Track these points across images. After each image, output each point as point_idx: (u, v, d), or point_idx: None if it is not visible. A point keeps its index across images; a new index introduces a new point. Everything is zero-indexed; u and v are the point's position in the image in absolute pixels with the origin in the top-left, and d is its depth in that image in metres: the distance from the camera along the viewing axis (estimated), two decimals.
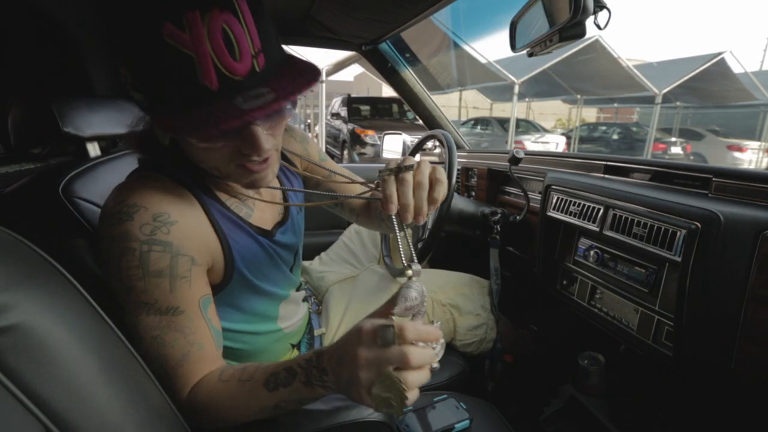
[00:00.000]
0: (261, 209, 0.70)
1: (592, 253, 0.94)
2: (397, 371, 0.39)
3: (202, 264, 0.56)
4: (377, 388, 0.39)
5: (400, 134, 1.49)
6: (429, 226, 1.01)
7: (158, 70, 0.43)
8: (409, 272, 0.48)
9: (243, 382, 0.51)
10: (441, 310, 1.04)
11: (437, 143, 1.04)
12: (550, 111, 16.83)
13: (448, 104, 12.58)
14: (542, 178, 1.13)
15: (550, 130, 12.54)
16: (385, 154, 1.67)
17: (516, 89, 8.99)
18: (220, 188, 0.62)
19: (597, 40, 8.76)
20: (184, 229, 0.53)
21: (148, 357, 0.49)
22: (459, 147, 1.80)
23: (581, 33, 0.71)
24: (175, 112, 0.44)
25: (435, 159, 1.91)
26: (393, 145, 1.67)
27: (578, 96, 12.03)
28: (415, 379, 0.39)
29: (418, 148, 1.23)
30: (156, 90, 0.45)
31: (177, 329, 0.52)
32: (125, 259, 0.49)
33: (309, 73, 0.48)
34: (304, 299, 0.94)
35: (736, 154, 8.60)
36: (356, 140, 6.78)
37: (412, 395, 0.39)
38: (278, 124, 0.53)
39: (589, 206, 0.93)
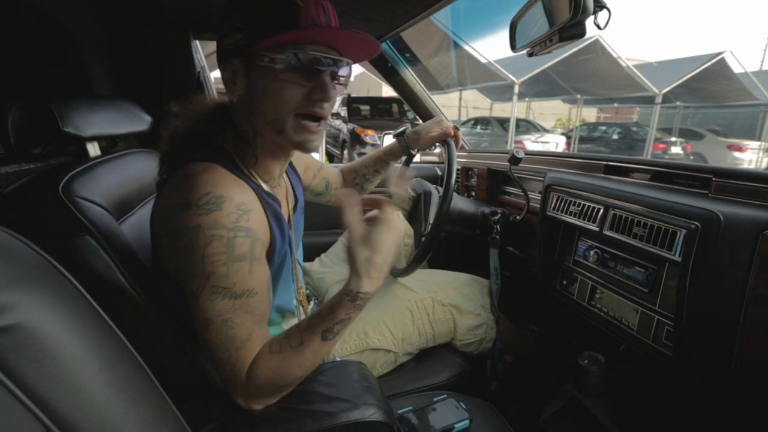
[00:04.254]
0: (282, 200, 0.74)
1: (592, 253, 0.94)
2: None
3: (266, 247, 0.63)
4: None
5: None
6: (431, 220, 1.02)
7: (270, 11, 0.57)
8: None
9: (296, 349, 0.57)
10: (441, 310, 1.04)
11: (437, 143, 1.05)
12: (550, 111, 16.82)
13: (448, 104, 12.56)
14: (542, 178, 1.13)
15: (550, 130, 12.53)
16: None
17: (516, 89, 8.98)
18: (257, 171, 0.67)
19: (597, 40, 8.75)
20: (256, 216, 0.60)
21: (216, 340, 0.55)
22: (459, 147, 1.80)
23: (581, 33, 0.71)
24: (275, 35, 0.56)
25: (435, 159, 1.91)
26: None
27: (578, 96, 12.02)
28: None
29: None
30: (262, 24, 0.57)
31: (247, 310, 0.56)
32: (212, 246, 0.54)
33: (364, 37, 0.61)
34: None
35: (736, 154, 8.59)
36: (356, 140, 6.78)
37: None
38: (336, 90, 0.63)
39: (589, 206, 0.93)
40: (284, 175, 0.81)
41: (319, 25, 0.58)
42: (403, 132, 1.07)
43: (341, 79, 0.64)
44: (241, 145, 0.65)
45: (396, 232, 0.61)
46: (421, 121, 1.79)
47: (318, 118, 0.62)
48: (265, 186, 0.68)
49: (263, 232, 0.61)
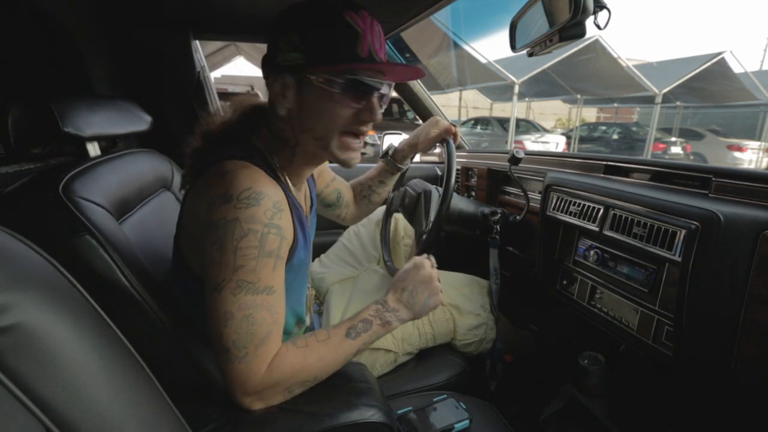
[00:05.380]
0: (302, 202, 0.76)
1: (592, 253, 0.94)
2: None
3: (288, 248, 0.65)
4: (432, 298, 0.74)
5: (400, 134, 1.49)
6: (432, 218, 1.01)
7: (331, 35, 0.59)
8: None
9: (323, 342, 0.62)
10: (441, 310, 1.04)
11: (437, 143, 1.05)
12: (550, 111, 16.82)
13: (448, 104, 12.56)
14: (542, 178, 1.13)
15: (550, 130, 12.53)
16: (381, 152, 1.67)
17: (516, 89, 8.98)
18: (289, 174, 0.70)
19: (597, 40, 8.75)
20: (286, 216, 0.62)
21: (234, 336, 0.56)
22: (459, 147, 1.80)
23: (581, 33, 0.71)
24: (343, 62, 0.60)
25: (435, 159, 1.91)
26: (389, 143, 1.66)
27: (578, 96, 12.02)
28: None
29: None
30: (323, 48, 0.60)
31: (267, 308, 0.58)
32: (247, 239, 0.56)
33: (414, 73, 0.69)
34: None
35: (736, 154, 8.59)
36: None
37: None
38: (381, 108, 0.68)
39: (589, 206, 0.93)
40: (306, 183, 0.83)
41: (374, 53, 0.62)
42: (387, 153, 1.06)
43: (384, 97, 0.68)
44: (278, 148, 0.68)
45: (422, 275, 0.74)
46: (421, 122, 1.80)
47: (359, 135, 0.67)
48: (292, 188, 0.70)
49: (289, 233, 0.64)
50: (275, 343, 0.59)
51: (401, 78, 0.71)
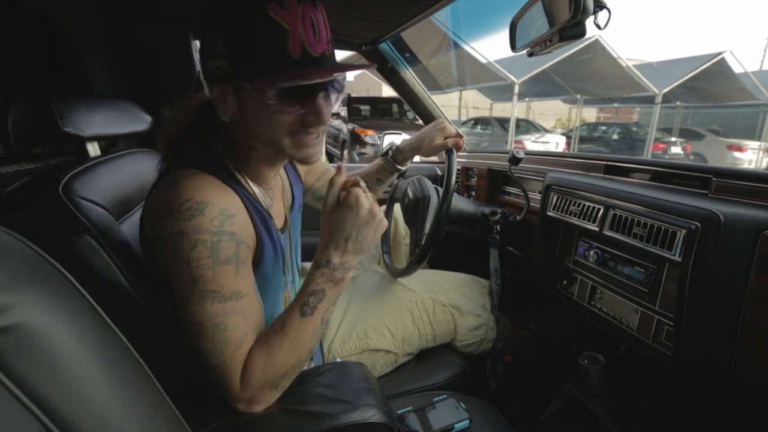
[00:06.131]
0: (278, 200, 0.74)
1: (592, 253, 0.94)
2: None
3: (251, 251, 0.63)
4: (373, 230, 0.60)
5: (400, 134, 1.49)
6: (427, 229, 1.01)
7: (254, 39, 0.53)
8: None
9: (280, 332, 0.58)
10: (441, 311, 1.04)
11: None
12: (550, 111, 16.82)
13: (448, 104, 12.57)
14: (542, 178, 1.13)
15: (550, 130, 12.53)
16: (382, 150, 1.67)
17: (516, 89, 8.98)
18: (250, 176, 0.67)
19: (597, 40, 8.75)
20: (240, 220, 0.60)
21: (210, 345, 0.55)
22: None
23: (581, 33, 0.71)
24: (263, 74, 0.55)
25: (435, 159, 1.91)
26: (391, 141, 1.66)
27: (578, 96, 12.02)
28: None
29: None
30: (247, 55, 0.54)
31: (239, 313, 0.56)
32: (197, 250, 0.54)
33: (360, 65, 0.65)
34: None
35: (736, 154, 8.59)
36: (356, 140, 6.78)
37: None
38: (332, 105, 0.63)
39: (589, 206, 0.93)
40: (282, 174, 0.81)
41: (310, 48, 0.55)
42: (387, 152, 1.05)
43: (336, 85, 0.62)
44: (234, 150, 0.65)
45: (361, 216, 0.58)
46: (421, 122, 1.79)
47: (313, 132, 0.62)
48: (256, 189, 0.67)
49: (248, 236, 0.61)
50: (251, 345, 0.58)
51: (348, 69, 0.62)
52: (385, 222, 0.63)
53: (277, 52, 0.54)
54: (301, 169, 0.95)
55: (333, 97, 0.62)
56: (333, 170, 1.06)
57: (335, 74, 0.59)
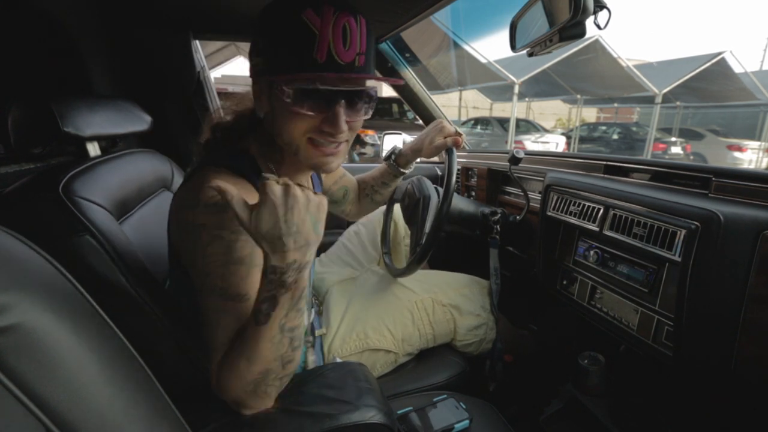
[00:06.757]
0: None
1: (592, 253, 0.94)
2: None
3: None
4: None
5: (400, 134, 1.49)
6: (427, 229, 1.01)
7: (286, 40, 0.56)
8: None
9: (239, 339, 0.56)
10: (441, 311, 1.04)
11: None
12: (550, 111, 16.81)
13: (448, 104, 12.56)
14: (542, 178, 1.13)
15: (550, 130, 12.53)
16: (385, 154, 1.67)
17: (516, 89, 8.98)
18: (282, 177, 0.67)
19: (597, 40, 8.75)
20: None
21: (206, 332, 0.57)
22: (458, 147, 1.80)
23: (581, 33, 0.71)
24: (286, 72, 0.57)
25: (435, 159, 1.91)
26: (393, 145, 1.66)
27: (578, 96, 12.02)
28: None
29: None
30: (278, 54, 0.57)
31: (235, 316, 0.56)
32: (213, 245, 0.55)
33: (382, 78, 0.61)
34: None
35: (736, 154, 8.59)
36: (356, 140, 6.78)
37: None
38: (357, 118, 0.63)
39: (589, 206, 0.93)
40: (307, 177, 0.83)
41: (337, 56, 0.55)
42: (390, 156, 1.06)
43: (366, 98, 0.62)
44: (268, 149, 0.68)
45: (278, 205, 0.49)
46: (421, 122, 1.79)
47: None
48: None
49: None
50: None
51: (367, 78, 0.62)
52: (319, 197, 0.55)
53: (303, 54, 0.55)
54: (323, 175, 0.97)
55: (361, 107, 0.63)
56: (350, 177, 1.07)
57: (348, 84, 0.59)
